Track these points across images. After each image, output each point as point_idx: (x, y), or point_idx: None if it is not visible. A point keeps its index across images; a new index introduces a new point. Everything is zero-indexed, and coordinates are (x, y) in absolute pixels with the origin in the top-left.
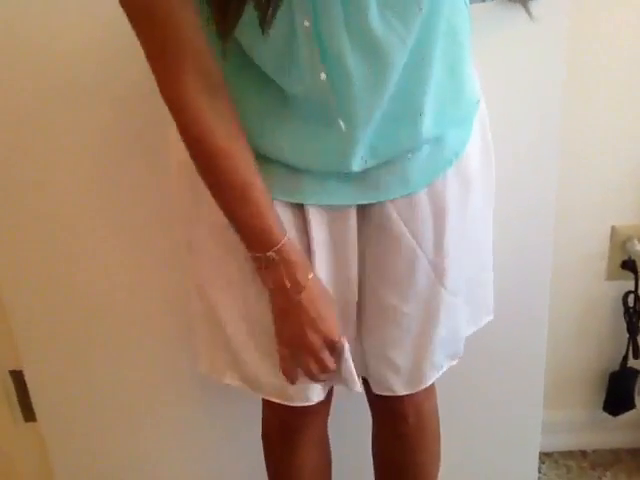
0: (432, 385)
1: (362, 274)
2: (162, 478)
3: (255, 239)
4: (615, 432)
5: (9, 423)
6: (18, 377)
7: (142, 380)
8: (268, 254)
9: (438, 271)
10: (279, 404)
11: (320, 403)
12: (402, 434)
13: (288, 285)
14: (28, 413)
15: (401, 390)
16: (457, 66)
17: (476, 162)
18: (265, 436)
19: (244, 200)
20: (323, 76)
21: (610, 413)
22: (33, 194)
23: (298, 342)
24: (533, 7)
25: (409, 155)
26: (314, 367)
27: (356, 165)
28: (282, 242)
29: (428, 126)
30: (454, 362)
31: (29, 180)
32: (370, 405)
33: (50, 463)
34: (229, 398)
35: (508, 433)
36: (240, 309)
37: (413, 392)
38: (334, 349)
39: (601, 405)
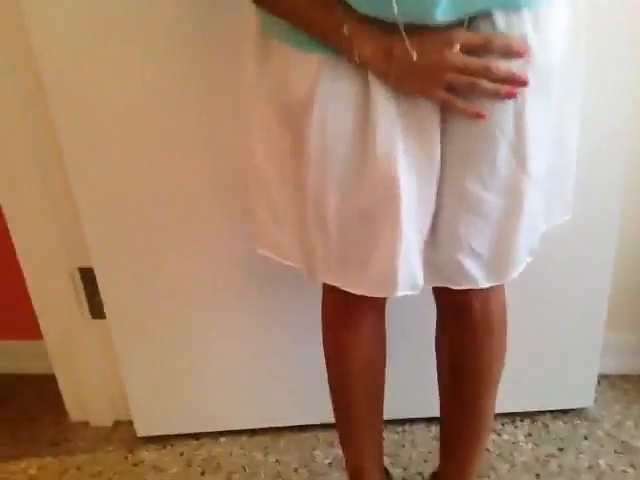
0: None
1: (443, 159)
2: (217, 359)
3: (323, 27)
4: None
5: (77, 320)
6: (87, 274)
7: (208, 272)
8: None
9: (519, 157)
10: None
11: None
12: (468, 326)
13: (380, 50)
14: (96, 310)
15: (484, 282)
16: None
17: (559, 43)
18: (324, 315)
19: None
20: None
21: None
22: (101, 96)
23: (435, 77)
24: None
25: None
26: (466, 80)
27: (439, 16)
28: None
29: None
30: (530, 259)
31: (99, 85)
32: (436, 299)
33: (117, 360)
34: (290, 282)
35: (569, 351)
36: (289, 182)
37: (497, 283)
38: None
39: None
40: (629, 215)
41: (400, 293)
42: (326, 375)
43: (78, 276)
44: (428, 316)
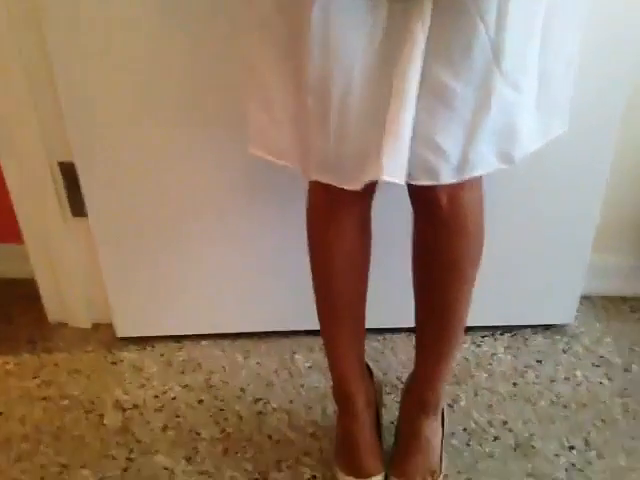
0: (475, 179)
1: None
2: (201, 262)
3: None
4: None
5: (57, 218)
6: (68, 169)
7: (194, 173)
8: None
9: (496, 50)
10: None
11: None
12: (437, 223)
13: None
14: (77, 208)
15: (447, 178)
16: None
17: None
18: (309, 211)
19: None
20: None
21: None
22: None
23: None
24: None
25: None
26: None
27: None
28: None
29: None
30: (504, 166)
31: None
32: (410, 197)
33: (98, 260)
34: (276, 180)
35: (553, 268)
36: (286, 81)
37: (459, 180)
38: None
39: None
40: (626, 134)
41: (386, 178)
42: (310, 283)
43: (58, 171)
44: (409, 225)
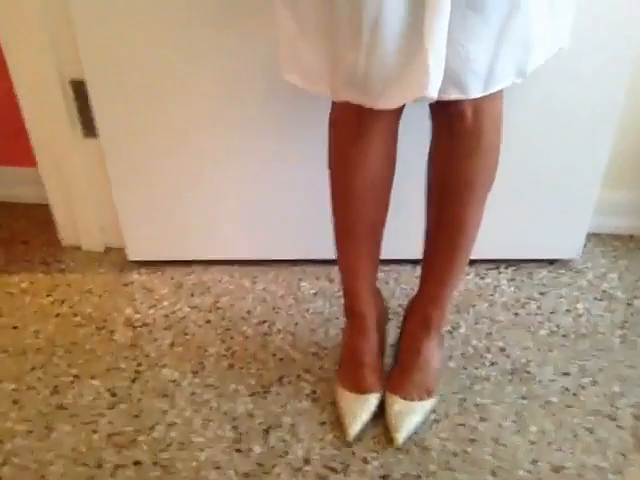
0: (496, 94)
1: None
2: (212, 188)
3: None
4: None
5: (69, 139)
6: (79, 88)
7: (208, 90)
8: None
9: None
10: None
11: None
12: (458, 134)
13: None
14: (88, 128)
15: (475, 91)
16: None
17: None
18: (333, 124)
19: None
20: None
21: None
22: None
23: None
24: None
25: None
26: None
27: None
28: None
29: None
30: (518, 80)
31: None
32: (432, 113)
33: (109, 183)
34: (294, 99)
35: (562, 202)
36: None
37: (485, 93)
38: None
39: None
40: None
41: (431, 94)
42: (320, 213)
43: (70, 90)
44: (422, 159)
